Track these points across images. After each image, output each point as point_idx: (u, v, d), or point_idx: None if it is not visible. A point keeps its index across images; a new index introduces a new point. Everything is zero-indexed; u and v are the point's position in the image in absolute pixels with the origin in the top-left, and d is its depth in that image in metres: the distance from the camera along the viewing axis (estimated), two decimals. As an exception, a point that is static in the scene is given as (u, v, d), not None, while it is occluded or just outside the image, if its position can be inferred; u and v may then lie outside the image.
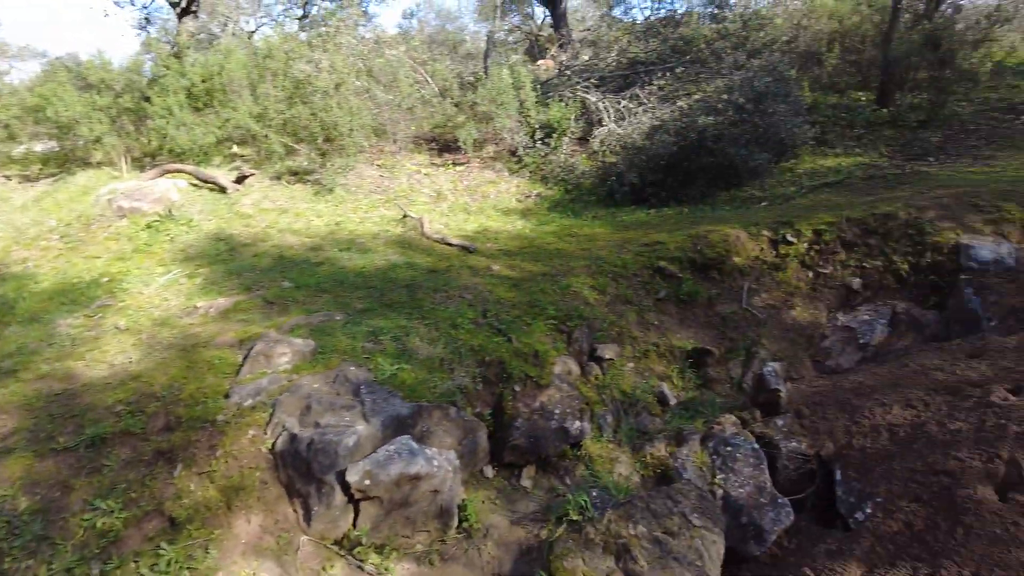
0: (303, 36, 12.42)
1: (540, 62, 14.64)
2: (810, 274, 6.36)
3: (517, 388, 4.72)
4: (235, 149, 10.29)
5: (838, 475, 4.27)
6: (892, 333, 5.85)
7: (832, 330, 6.00)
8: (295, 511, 3.75)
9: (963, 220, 6.37)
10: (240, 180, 8.94)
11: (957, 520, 3.55)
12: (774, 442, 4.55)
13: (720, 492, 4.34)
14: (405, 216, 8.19)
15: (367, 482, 3.60)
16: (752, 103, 8.74)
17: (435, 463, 3.84)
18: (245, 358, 4.57)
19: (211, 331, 5.10)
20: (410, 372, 4.55)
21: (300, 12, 17.97)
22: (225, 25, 18.01)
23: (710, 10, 13.00)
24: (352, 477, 3.60)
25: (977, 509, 3.54)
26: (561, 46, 14.58)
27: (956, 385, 4.45)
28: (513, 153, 10.43)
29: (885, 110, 10.71)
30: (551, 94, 10.92)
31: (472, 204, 9.12)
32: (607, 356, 5.50)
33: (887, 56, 10.73)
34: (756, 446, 4.52)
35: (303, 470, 3.73)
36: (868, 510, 3.91)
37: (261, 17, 19.61)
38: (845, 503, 4.09)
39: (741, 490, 4.31)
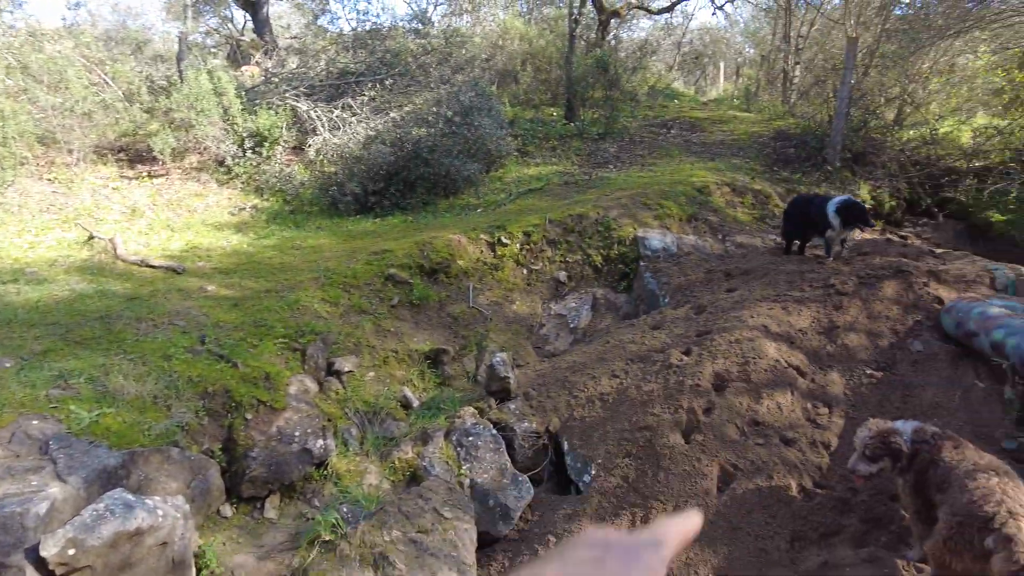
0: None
1: (244, 68, 13.73)
2: (525, 271, 7.01)
3: (249, 416, 4.38)
4: None
5: (565, 445, 4.78)
6: (595, 316, 6.74)
7: (547, 318, 6.69)
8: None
9: (638, 216, 7.59)
10: None
11: (659, 466, 4.23)
12: (509, 425, 4.93)
13: (467, 481, 4.55)
14: (92, 237, 7.02)
15: (72, 551, 3.03)
16: (460, 116, 9.31)
17: (160, 513, 3.38)
18: None
19: None
20: (115, 416, 3.93)
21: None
22: None
23: (414, 25, 13.51)
24: (49, 551, 2.99)
25: (671, 454, 4.27)
26: (266, 52, 13.85)
27: (646, 353, 5.30)
28: (221, 163, 9.61)
29: (572, 124, 12.26)
30: (258, 102, 10.31)
31: (176, 220, 8.19)
32: (346, 369, 5.40)
33: (570, 76, 12.30)
34: (494, 432, 4.84)
35: (-23, 558, 3.00)
36: (592, 472, 4.46)
37: None
38: (574, 469, 4.61)
39: (485, 475, 4.58)
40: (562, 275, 7.04)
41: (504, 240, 7.00)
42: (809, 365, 4.93)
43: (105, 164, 9.24)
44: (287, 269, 6.42)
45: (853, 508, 3.96)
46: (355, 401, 5.20)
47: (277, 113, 9.92)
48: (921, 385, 4.64)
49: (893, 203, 9.82)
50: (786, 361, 4.89)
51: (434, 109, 9.26)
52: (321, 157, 9.61)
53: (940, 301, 5.21)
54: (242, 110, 9.78)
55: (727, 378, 4.77)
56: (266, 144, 9.63)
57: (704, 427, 4.43)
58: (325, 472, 4.49)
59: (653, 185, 8.61)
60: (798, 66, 15.13)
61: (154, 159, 9.30)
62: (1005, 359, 4.33)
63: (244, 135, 9.67)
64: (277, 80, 11.23)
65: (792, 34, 15.45)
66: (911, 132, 10.84)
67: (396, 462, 4.73)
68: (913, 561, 3.51)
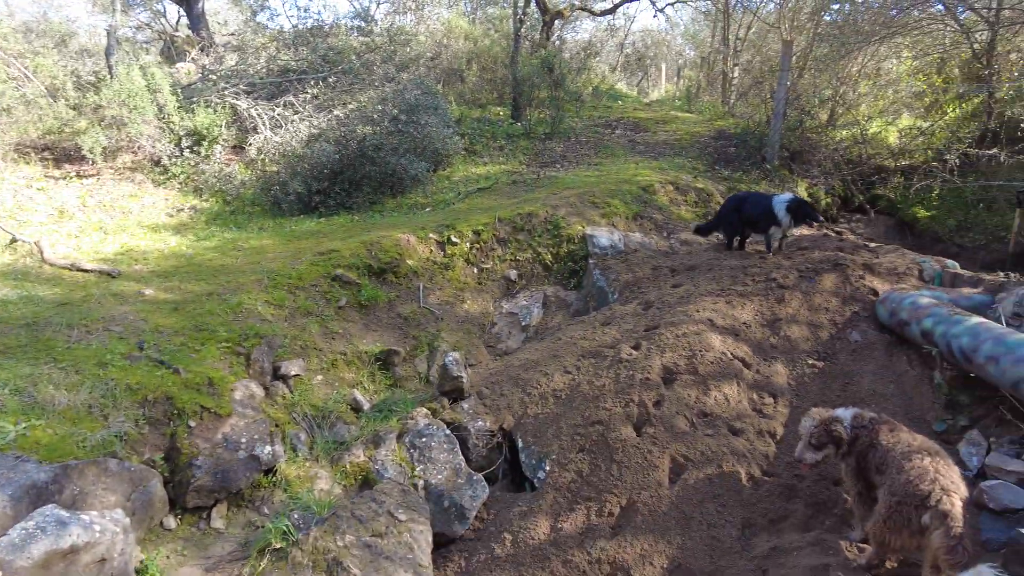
0: None
1: (179, 65, 13.22)
2: (475, 270, 6.99)
3: (193, 423, 4.22)
4: None
5: (520, 443, 4.79)
6: (546, 313, 6.77)
7: (499, 317, 6.69)
8: None
9: (586, 215, 7.67)
10: None
11: (612, 459, 4.28)
12: (463, 425, 4.90)
13: (422, 483, 4.50)
14: (14, 240, 6.63)
15: None
16: (406, 114, 9.21)
17: (97, 528, 3.21)
18: None
19: None
20: (45, 429, 3.73)
21: None
22: None
23: (357, 23, 13.31)
24: (-25, 574, 2.81)
25: (624, 447, 4.32)
26: (202, 49, 13.37)
27: (597, 349, 5.35)
28: (157, 163, 9.23)
29: (519, 124, 12.29)
30: (195, 99, 9.94)
31: (109, 222, 7.82)
32: (293, 372, 5.26)
33: (515, 76, 12.32)
34: (448, 432, 4.80)
35: None
36: (547, 468, 4.48)
37: None
38: (529, 466, 4.61)
39: (440, 476, 4.54)
40: (513, 274, 7.04)
41: (454, 239, 6.95)
42: (754, 357, 5.07)
43: (28, 163, 8.74)
44: (229, 271, 6.21)
45: (799, 494, 4.09)
46: (303, 405, 5.08)
47: (216, 111, 9.59)
48: (859, 373, 4.84)
49: (828, 200, 10.21)
50: (732, 353, 5.02)
51: (379, 107, 9.12)
52: (262, 156, 9.34)
53: (875, 292, 5.45)
54: (178, 108, 9.42)
55: (675, 371, 4.87)
56: (205, 143, 9.30)
57: (655, 420, 4.51)
58: (274, 479, 4.37)
59: (600, 184, 8.71)
60: (737, 68, 15.58)
61: (83, 158, 8.85)
62: (934, 346, 4.56)
63: (181, 134, 9.31)
64: (215, 78, 10.86)
65: (731, 37, 15.92)
66: (843, 132, 11.30)
67: (347, 466, 4.64)
68: (855, 541, 3.66)
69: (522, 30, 12.75)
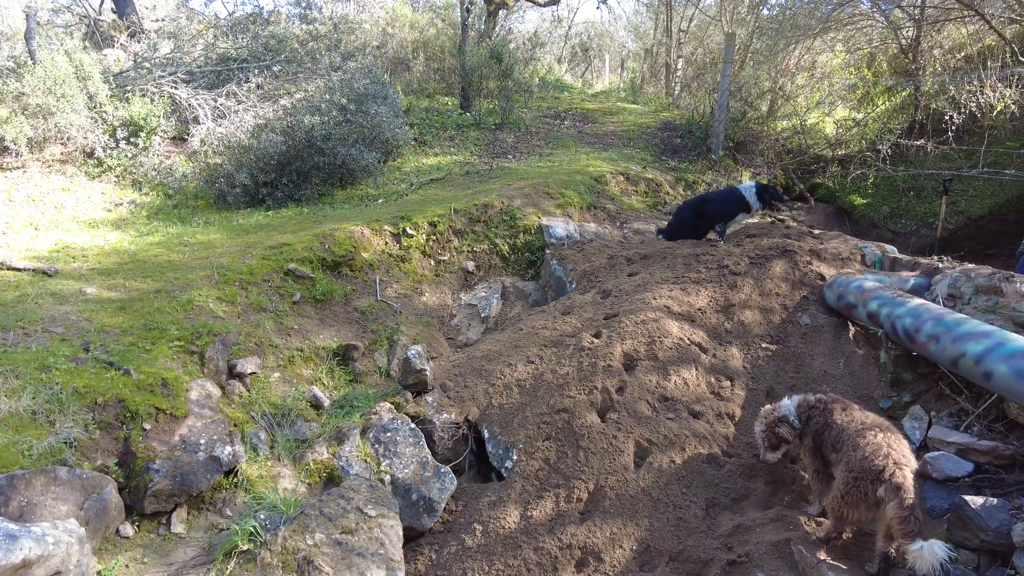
0: None
1: (107, 52, 12.57)
2: (432, 262, 6.93)
3: (148, 426, 4.05)
4: None
5: (486, 433, 4.79)
6: (505, 304, 6.78)
7: (458, 309, 6.66)
8: None
9: (541, 205, 7.71)
10: None
11: (578, 446, 4.33)
12: (428, 418, 4.87)
13: (388, 478, 4.46)
14: (-65, 239, 6.22)
15: (-52, 593, 2.68)
16: (354, 103, 9.02)
17: (50, 540, 3.05)
18: None
19: None
20: (-13, 437, 3.52)
21: None
22: None
23: (298, 10, 12.93)
24: (-81, 595, 2.63)
25: (589, 433, 4.39)
26: (132, 35, 12.75)
27: (558, 338, 5.40)
28: (90, 155, 8.77)
29: (469, 114, 12.22)
30: (129, 88, 9.49)
31: (41, 217, 7.39)
32: (249, 370, 5.11)
33: (464, 66, 12.23)
34: (412, 426, 4.76)
35: None
36: (514, 457, 4.50)
37: None
38: (496, 456, 4.62)
39: (406, 470, 4.51)
40: (470, 265, 7.02)
41: (409, 231, 6.87)
42: (710, 341, 5.22)
43: (-56, 156, 8.20)
44: (176, 267, 5.97)
45: (759, 473, 4.24)
46: (262, 404, 4.95)
47: (153, 101, 9.18)
48: (811, 355, 5.04)
49: (771, 189, 10.57)
50: (689, 339, 5.15)
51: (327, 96, 8.90)
52: (206, 148, 9.00)
53: (822, 277, 5.68)
54: (111, 97, 8.98)
55: (636, 357, 4.96)
56: (142, 134, 8.89)
57: (618, 406, 4.58)
58: (235, 480, 4.25)
59: (553, 175, 8.76)
60: (680, 59, 15.89)
61: (6, 149, 8.34)
62: (880, 327, 4.79)
63: (116, 124, 8.88)
64: (149, 65, 10.38)
65: (673, 29, 16.21)
66: (784, 123, 11.70)
67: (311, 464, 4.56)
68: (813, 516, 3.83)
69: (469, 19, 12.65)
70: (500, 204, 7.48)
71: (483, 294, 6.75)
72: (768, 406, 4.10)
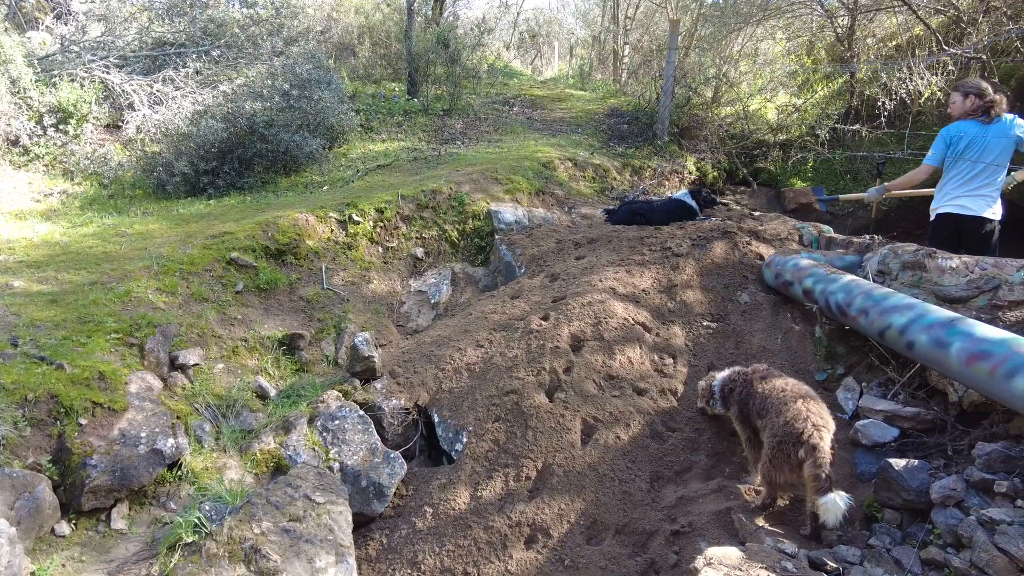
0: None
1: (31, 34, 11.96)
2: (380, 249, 6.88)
3: (84, 421, 3.94)
4: None
5: (436, 418, 4.81)
6: (455, 290, 6.78)
7: (408, 296, 6.63)
8: None
9: (490, 191, 7.72)
10: None
11: (527, 426, 4.39)
12: (377, 405, 4.86)
13: (337, 465, 4.45)
14: None
15: None
16: (297, 89, 8.83)
17: (-21, 540, 2.96)
18: None
19: None
20: (-92, 437, 3.37)
21: None
22: None
23: (238, -7, 12.58)
24: None
25: (537, 413, 4.45)
26: (58, 16, 12.16)
27: (508, 322, 5.44)
28: (14, 142, 8.36)
29: (416, 100, 12.10)
30: (56, 73, 9.07)
31: (-37, 210, 7.04)
32: (192, 362, 5.00)
33: (410, 52, 12.09)
34: (361, 413, 4.75)
35: None
36: (464, 440, 4.53)
37: None
38: (446, 439, 4.65)
39: (355, 457, 4.50)
40: (419, 251, 6.99)
41: (356, 218, 6.80)
42: (654, 321, 5.34)
43: None
44: (113, 259, 5.78)
45: (700, 446, 4.39)
46: (206, 395, 4.85)
47: (83, 86, 8.80)
48: (750, 332, 5.21)
49: (715, 174, 10.80)
50: (633, 319, 5.26)
51: (269, 82, 8.68)
52: (142, 135, 8.68)
53: (761, 257, 5.86)
54: (36, 82, 8.57)
55: (583, 338, 5.04)
56: (72, 121, 8.52)
57: (566, 385, 4.66)
58: (180, 473, 4.17)
59: (501, 161, 8.76)
60: (627, 46, 16.05)
61: (-77, 138, 7.90)
62: (814, 303, 4.99)
63: (42, 111, 8.48)
64: (78, 49, 9.94)
65: (620, 15, 16.35)
66: (727, 109, 11.95)
67: (258, 454, 4.50)
68: (752, 485, 3.98)
69: (415, 4, 12.49)
70: (448, 190, 7.46)
71: (432, 280, 6.74)
72: (703, 381, 4.43)
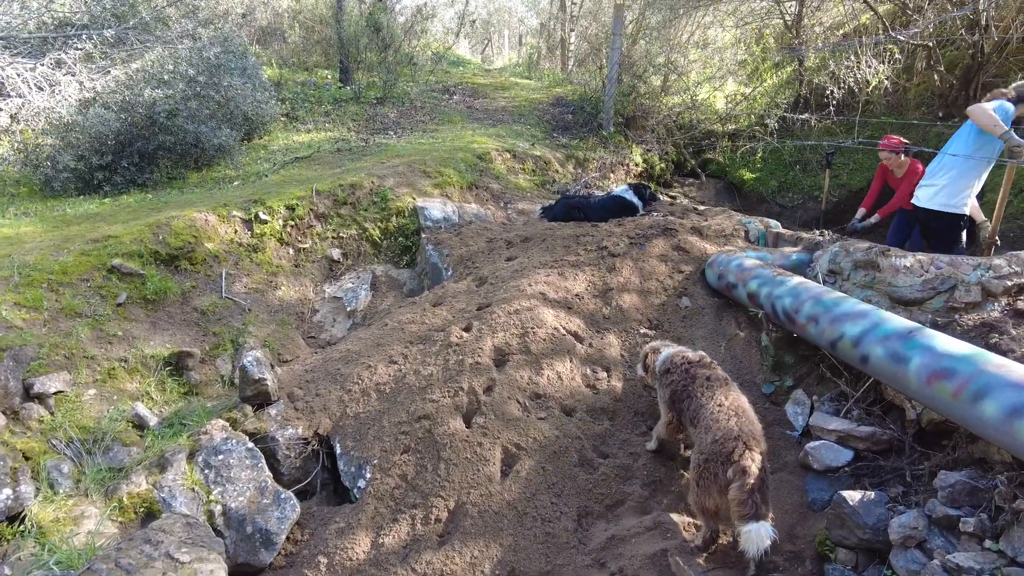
0: None
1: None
2: (291, 251, 6.19)
3: None
4: None
5: (338, 448, 4.20)
6: (376, 295, 6.15)
7: (321, 303, 5.98)
8: None
9: (417, 185, 7.09)
10: None
11: (439, 457, 3.82)
12: (270, 435, 4.23)
13: (220, 508, 3.82)
14: None
15: None
16: (205, 76, 8.01)
17: None
18: None
19: None
20: None
21: None
22: None
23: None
24: None
25: (452, 442, 3.88)
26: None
27: (426, 333, 4.85)
28: None
29: (348, 88, 11.34)
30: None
31: None
32: (53, 389, 4.28)
33: (341, 36, 11.32)
34: (250, 445, 4.12)
35: None
36: (368, 475, 3.94)
37: None
38: (348, 475, 4.05)
39: (241, 498, 3.88)
40: (335, 253, 6.33)
41: (263, 216, 6.09)
42: (587, 329, 4.82)
43: None
44: (-36, 268, 4.98)
45: (635, 474, 3.88)
46: (68, 428, 4.15)
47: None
48: (691, 339, 4.73)
49: (663, 165, 10.38)
50: (564, 328, 4.74)
51: (171, 67, 7.83)
52: (24, 126, 7.76)
53: (704, 256, 5.39)
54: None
55: (507, 351, 4.50)
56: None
57: (485, 408, 4.11)
58: (22, 528, 3.48)
59: (433, 152, 8.14)
60: (574, 34, 15.53)
61: None
62: (760, 308, 4.53)
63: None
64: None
65: (567, 3, 15.81)
66: (675, 98, 11.54)
67: (125, 498, 3.83)
68: (650, 450, 3.97)
69: (347, -13, 11.72)
70: (370, 184, 6.80)
71: (350, 285, 6.09)
72: (646, 348, 4.15)
